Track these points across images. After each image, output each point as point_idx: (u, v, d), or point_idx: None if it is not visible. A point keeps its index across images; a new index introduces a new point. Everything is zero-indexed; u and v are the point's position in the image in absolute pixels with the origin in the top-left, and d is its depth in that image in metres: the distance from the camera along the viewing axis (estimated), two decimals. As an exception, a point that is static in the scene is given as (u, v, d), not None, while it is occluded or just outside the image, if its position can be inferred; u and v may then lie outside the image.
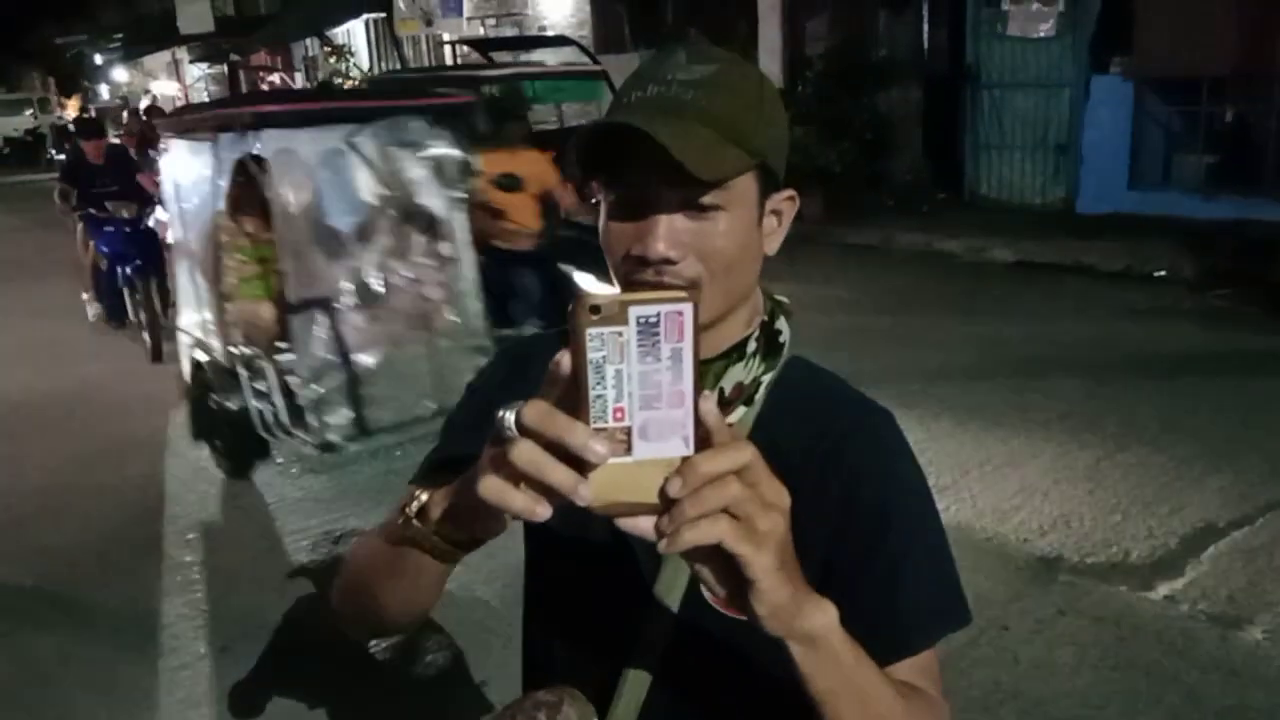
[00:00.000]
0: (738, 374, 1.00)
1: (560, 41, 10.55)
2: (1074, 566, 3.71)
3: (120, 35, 30.90)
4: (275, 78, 22.35)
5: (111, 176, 7.82)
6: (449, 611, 3.57)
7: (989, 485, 4.44)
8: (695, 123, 0.90)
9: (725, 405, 0.99)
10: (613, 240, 0.96)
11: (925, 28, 11.33)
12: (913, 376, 5.77)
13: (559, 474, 0.64)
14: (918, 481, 1.02)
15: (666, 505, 0.64)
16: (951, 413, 5.28)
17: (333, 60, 18.55)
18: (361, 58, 18.83)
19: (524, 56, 11.84)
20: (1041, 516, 4.12)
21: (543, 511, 0.66)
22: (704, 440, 0.65)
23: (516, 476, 0.66)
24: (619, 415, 0.63)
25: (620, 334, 0.62)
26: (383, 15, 17.34)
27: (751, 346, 1.01)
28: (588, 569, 1.03)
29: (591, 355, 0.63)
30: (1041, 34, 10.22)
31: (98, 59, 31.49)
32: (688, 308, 0.63)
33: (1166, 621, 3.32)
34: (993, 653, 3.20)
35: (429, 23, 15.28)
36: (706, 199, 0.92)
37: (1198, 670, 3.06)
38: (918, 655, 0.96)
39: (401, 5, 14.87)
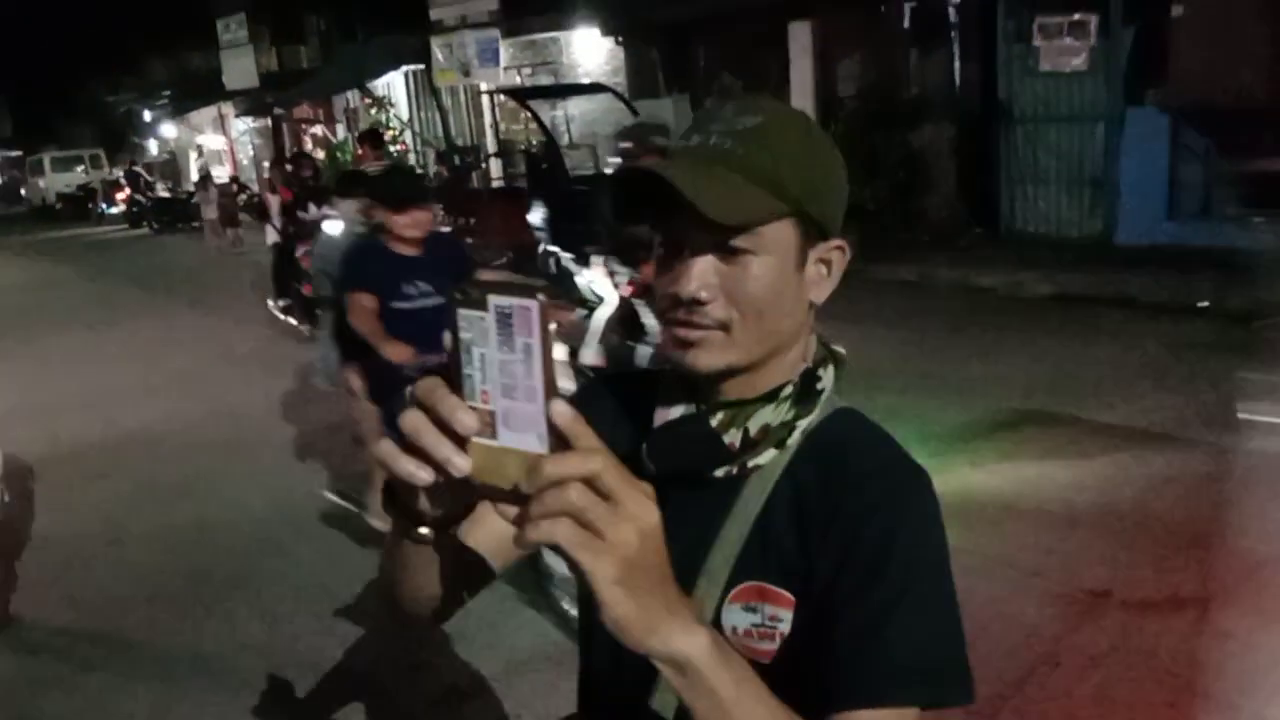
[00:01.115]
0: (766, 416, 1.02)
1: (596, 89, 10.71)
2: (1125, 601, 3.67)
3: (168, 92, 31.80)
4: (317, 129, 22.88)
5: (432, 277, 4.04)
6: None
7: (1036, 520, 4.40)
8: (724, 169, 0.95)
9: (751, 446, 1.01)
10: (656, 281, 1.02)
11: (956, 65, 11.38)
12: (953, 410, 5.75)
13: (435, 442, 0.68)
14: (932, 540, 0.96)
15: (520, 499, 0.66)
16: (995, 446, 5.25)
17: (373, 111, 18.92)
18: (401, 108, 19.19)
19: (560, 104, 12.05)
20: (1090, 550, 4.08)
21: (423, 475, 0.69)
22: (565, 442, 0.66)
23: (405, 442, 0.70)
24: (485, 398, 0.66)
25: (483, 319, 0.64)
26: (421, 67, 17.74)
27: (786, 391, 1.03)
28: None
29: (462, 335, 0.66)
30: (1073, 68, 10.24)
31: (146, 115, 32.37)
32: (534, 305, 0.63)
33: (1222, 654, 3.28)
34: (1043, 690, 3.17)
35: (466, 73, 15.58)
36: (737, 242, 0.95)
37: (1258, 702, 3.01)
38: (884, 710, 0.89)
39: (440, 57, 15.21)
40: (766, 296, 0.97)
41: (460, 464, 0.68)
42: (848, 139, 10.89)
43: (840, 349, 1.10)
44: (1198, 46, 9.01)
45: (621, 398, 1.16)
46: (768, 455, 1.02)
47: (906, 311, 8.76)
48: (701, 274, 0.97)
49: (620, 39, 13.92)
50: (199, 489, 5.84)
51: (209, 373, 8.70)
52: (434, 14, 16.92)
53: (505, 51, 15.03)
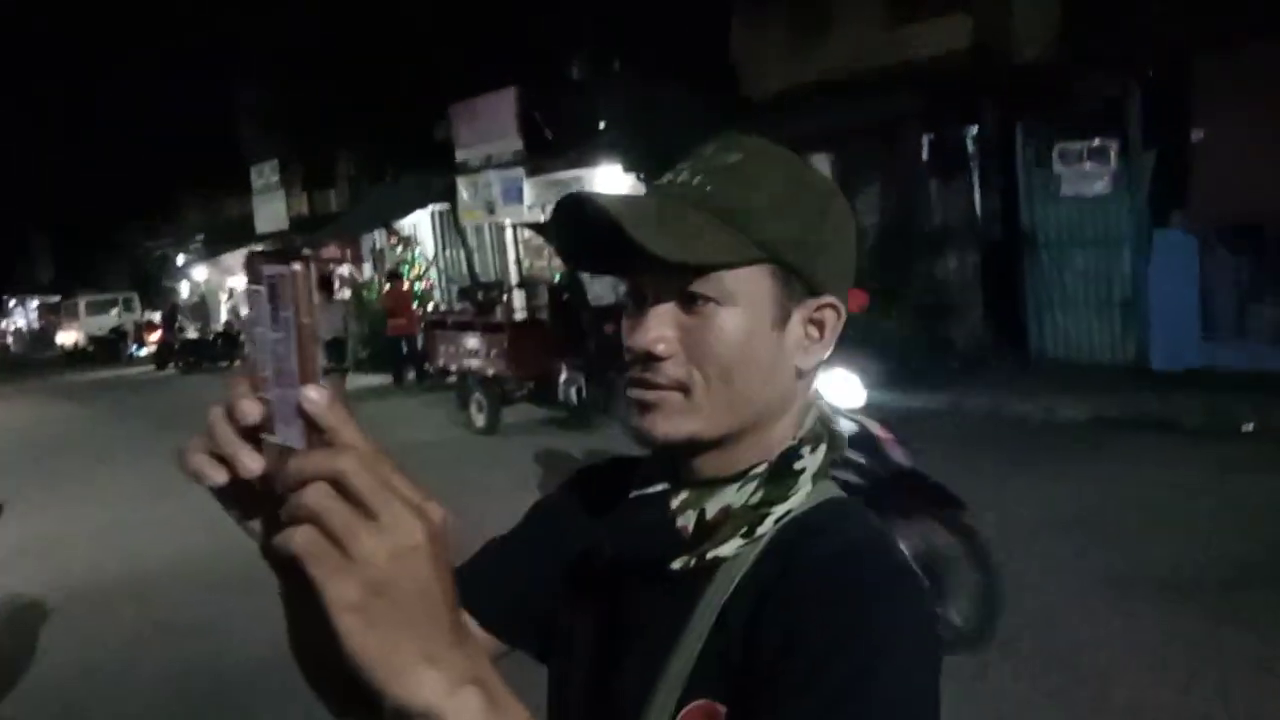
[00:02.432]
0: (728, 497, 0.85)
1: (618, 221, 10.82)
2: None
3: (201, 235, 32.75)
4: (344, 269, 23.32)
5: None
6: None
7: (1079, 650, 4.08)
8: (685, 205, 0.82)
9: (708, 534, 0.85)
10: (624, 334, 0.88)
11: (977, 193, 11.45)
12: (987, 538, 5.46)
13: (224, 437, 0.58)
14: (890, 659, 0.74)
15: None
16: (1033, 576, 4.95)
17: (399, 250, 19.27)
18: (427, 246, 19.55)
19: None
20: (1136, 689, 3.75)
21: (213, 476, 0.59)
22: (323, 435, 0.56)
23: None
24: (263, 384, 0.58)
25: (259, 292, 0.57)
26: (447, 206, 18.14)
27: (757, 469, 0.86)
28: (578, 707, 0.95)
29: (247, 313, 0.59)
30: (1096, 192, 10.25)
31: (180, 259, 33.27)
32: (297, 270, 0.56)
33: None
34: None
35: (491, 211, 15.88)
36: (697, 288, 0.82)
37: None
38: None
39: (465, 196, 15.54)
40: (732, 355, 0.83)
41: (248, 462, 0.57)
42: (870, 269, 10.89)
43: (843, 430, 0.93)
44: (1220, 168, 9.00)
45: (606, 483, 1.00)
46: (732, 546, 0.85)
47: (938, 439, 8.52)
48: (657, 325, 0.83)
49: (642, 175, 14.17)
50: (216, 628, 5.61)
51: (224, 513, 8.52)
52: (460, 155, 17.38)
53: (529, 190, 15.33)
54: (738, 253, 0.82)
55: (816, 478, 0.88)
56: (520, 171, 15.14)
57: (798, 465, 0.87)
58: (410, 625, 0.55)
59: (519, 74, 16.21)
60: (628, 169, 14.36)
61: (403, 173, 19.93)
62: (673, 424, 0.84)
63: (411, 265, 18.70)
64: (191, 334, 25.77)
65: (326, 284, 17.49)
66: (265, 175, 27.00)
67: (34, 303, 48.77)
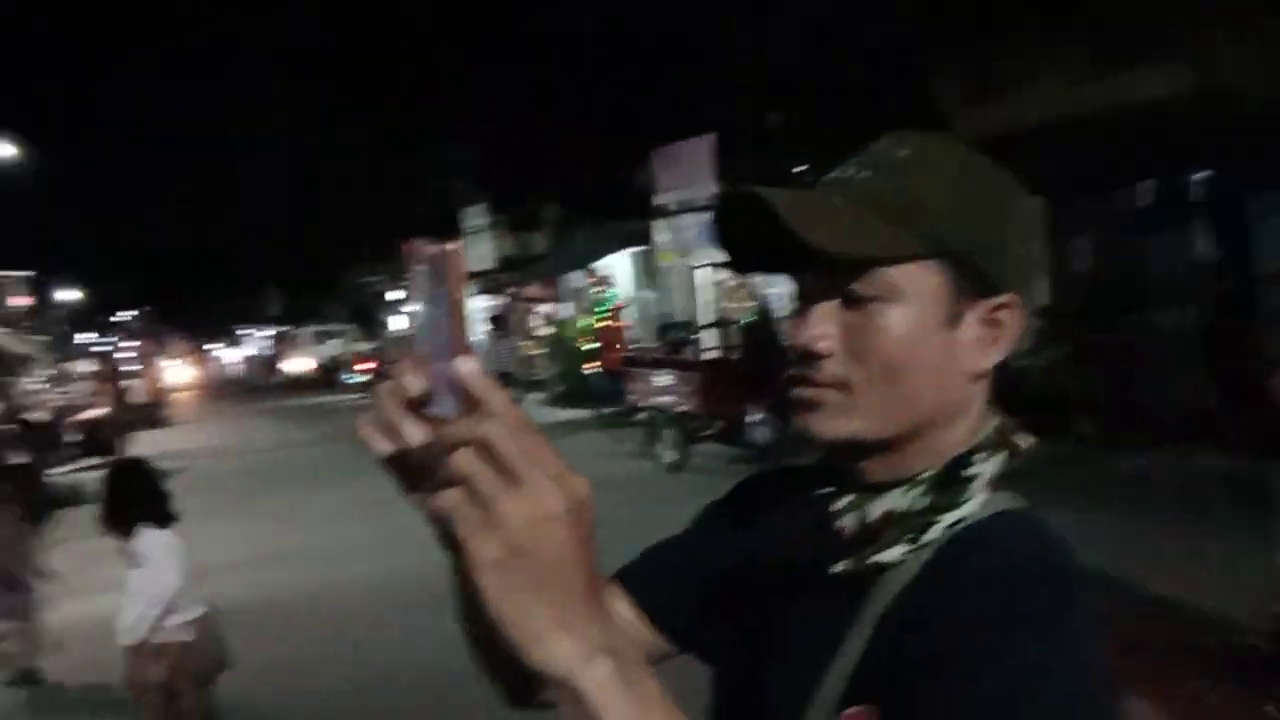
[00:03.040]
0: (891, 501, 0.82)
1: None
2: None
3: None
4: (545, 307, 24.16)
5: None
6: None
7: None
8: (847, 199, 0.79)
9: (870, 538, 0.82)
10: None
11: (1201, 244, 10.69)
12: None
13: (390, 408, 0.62)
14: (1028, 662, 0.71)
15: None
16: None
17: (597, 290, 19.81)
18: (622, 287, 20.00)
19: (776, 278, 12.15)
20: None
21: (379, 445, 0.63)
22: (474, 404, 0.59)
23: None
24: (424, 361, 0.61)
25: (420, 273, 0.62)
26: (643, 248, 18.53)
27: (925, 474, 0.83)
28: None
29: (412, 294, 0.63)
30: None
31: (389, 296, 35.37)
32: (449, 249, 0.61)
33: None
34: None
35: (686, 253, 16.07)
36: (859, 286, 0.80)
37: None
38: None
39: (662, 239, 15.80)
40: (896, 354, 0.80)
41: (410, 432, 0.61)
42: (1086, 320, 10.36)
43: (1024, 441, 0.86)
44: None
45: (773, 488, 1.02)
46: (896, 552, 0.81)
47: (1143, 505, 7.92)
48: (818, 321, 0.81)
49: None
50: (407, 645, 5.83)
51: (426, 532, 8.88)
52: (658, 200, 17.73)
53: (724, 233, 15.47)
54: (903, 248, 0.79)
55: (992, 487, 0.83)
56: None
57: (969, 472, 0.83)
58: (545, 590, 0.59)
59: (718, 121, 16.42)
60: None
61: (603, 217, 20.53)
62: (831, 423, 0.83)
63: (608, 305, 19.14)
64: (401, 365, 27.22)
65: (500, 322, 18.32)
66: (475, 218, 28.39)
67: (263, 333, 52.99)
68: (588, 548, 0.60)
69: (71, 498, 12.51)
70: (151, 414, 21.86)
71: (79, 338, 49.49)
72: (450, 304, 0.60)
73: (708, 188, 16.23)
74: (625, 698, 0.60)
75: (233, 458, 16.29)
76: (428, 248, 0.61)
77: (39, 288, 31.96)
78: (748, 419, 10.02)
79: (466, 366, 0.59)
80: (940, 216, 0.80)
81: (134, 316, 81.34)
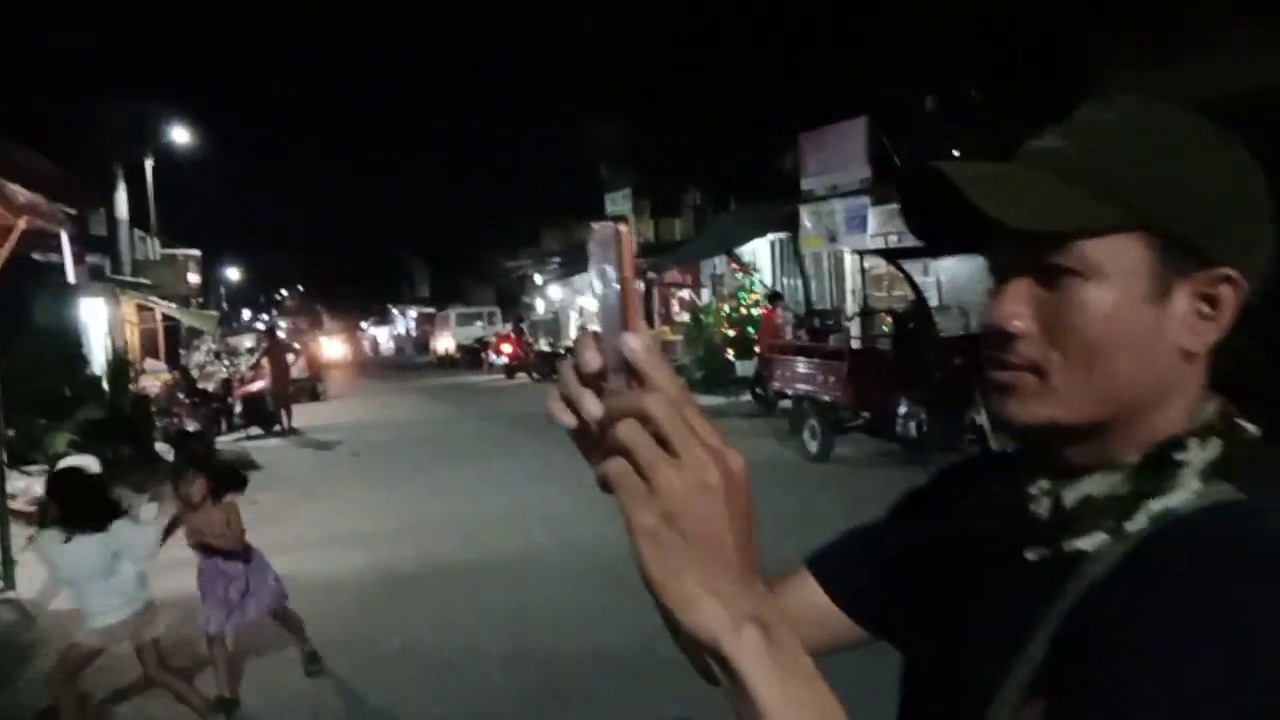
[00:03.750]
0: (1090, 485, 0.78)
1: (971, 249, 10.37)
2: None
3: (558, 259, 35.34)
4: (685, 293, 24.20)
5: None
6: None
7: None
8: (1039, 168, 0.75)
9: (1066, 523, 0.78)
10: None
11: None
12: None
13: (570, 383, 0.63)
14: (1236, 675, 0.65)
15: None
16: None
17: (739, 276, 19.70)
18: (765, 274, 19.83)
19: (931, 266, 11.85)
20: None
21: (562, 419, 0.64)
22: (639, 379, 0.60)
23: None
24: (600, 337, 0.63)
25: (593, 251, 0.63)
26: (787, 234, 18.31)
27: (1128, 458, 0.78)
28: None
29: (591, 273, 0.64)
30: None
31: (538, 279, 36.07)
32: (620, 229, 0.62)
33: None
34: None
35: (833, 239, 15.83)
36: (1055, 259, 0.75)
37: None
38: None
39: (808, 224, 15.62)
40: (1096, 333, 0.75)
41: (588, 406, 0.62)
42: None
43: (1247, 429, 0.78)
44: None
45: (972, 474, 1.00)
46: (1094, 540, 0.76)
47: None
48: (1011, 300, 0.76)
49: (994, 205, 13.58)
50: (556, 618, 5.95)
51: (570, 509, 9.04)
52: (805, 184, 17.50)
53: (874, 219, 15.12)
54: (1102, 219, 0.74)
55: (1207, 477, 0.76)
56: (866, 200, 14.98)
57: (1179, 457, 0.76)
58: (698, 558, 0.59)
59: (870, 103, 16.08)
60: (980, 199, 13.80)
61: (746, 202, 20.38)
62: (1027, 408, 0.78)
63: (749, 291, 19.03)
64: (544, 347, 27.80)
65: None
66: (618, 204, 28.66)
67: (412, 313, 54.86)
68: (741, 520, 0.61)
69: (240, 466, 13.28)
70: (309, 388, 22.93)
71: (240, 314, 52.33)
72: (621, 281, 0.62)
73: (858, 171, 15.94)
74: (773, 667, 0.60)
75: (386, 431, 16.92)
76: (599, 228, 0.63)
77: (205, 265, 33.86)
78: (899, 411, 9.78)
79: (633, 342, 0.60)
80: (1146, 186, 0.74)
81: (291, 294, 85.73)
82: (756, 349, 15.79)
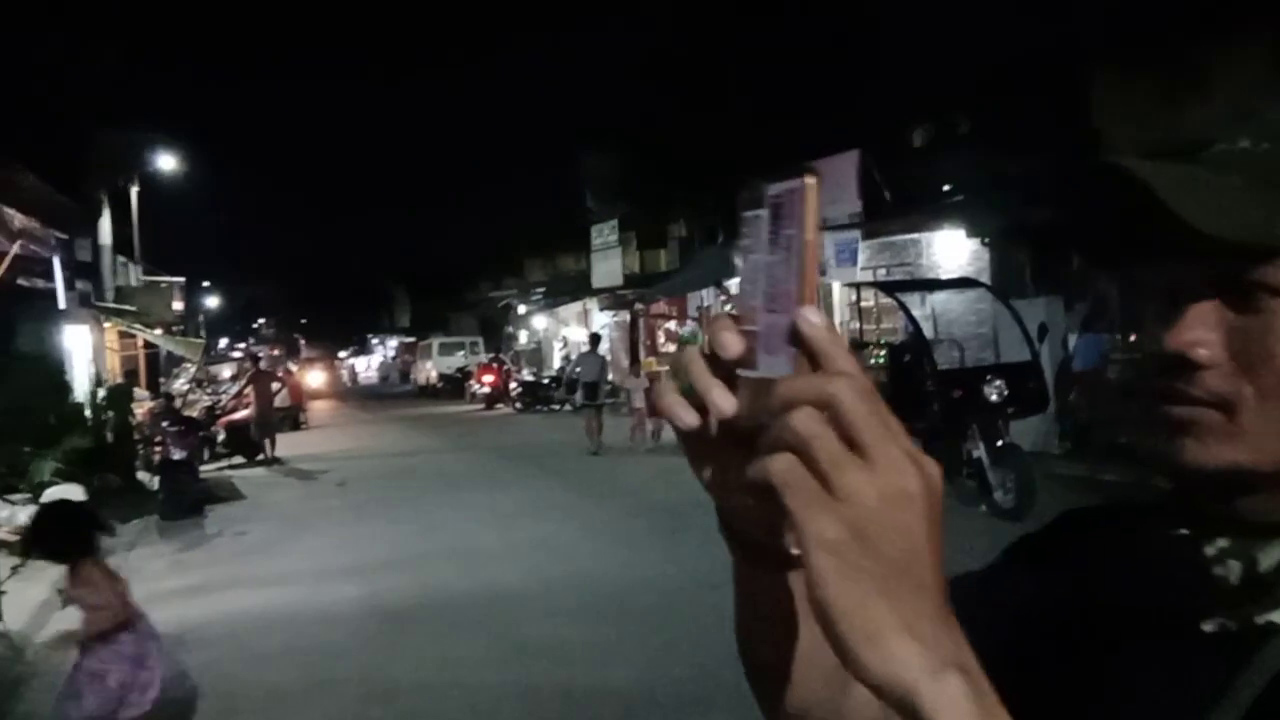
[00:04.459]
0: None
1: (967, 284, 10.43)
2: None
3: (542, 289, 35.31)
4: (671, 324, 24.20)
5: None
6: None
7: None
8: (1240, 174, 0.62)
9: (1261, 591, 0.65)
10: (1136, 345, 0.70)
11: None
12: None
13: (698, 373, 0.55)
14: None
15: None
16: None
17: (729, 309, 19.69)
18: (753, 306, 19.86)
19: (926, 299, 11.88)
20: None
21: (686, 417, 0.56)
22: (815, 362, 0.51)
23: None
24: (752, 316, 0.55)
25: (759, 216, 0.55)
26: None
27: None
28: None
29: (743, 243, 0.56)
30: None
31: (521, 309, 35.99)
32: (809, 183, 0.53)
33: None
34: None
35: (823, 272, 15.84)
36: (1257, 277, 0.62)
37: None
38: None
39: (797, 257, 15.65)
40: None
41: (720, 401, 0.54)
42: None
43: None
44: None
45: (1100, 526, 0.82)
46: None
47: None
48: (1197, 324, 0.63)
49: (987, 240, 13.63)
50: (561, 652, 5.83)
51: (568, 541, 8.93)
52: (794, 217, 17.57)
53: (864, 252, 15.18)
54: None
55: None
56: (856, 234, 15.04)
57: None
58: (891, 583, 0.49)
59: (861, 137, 16.20)
60: (971, 234, 13.87)
61: (734, 235, 20.43)
62: (1209, 450, 0.65)
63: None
64: (528, 376, 27.69)
65: (595, 340, 19.02)
66: (604, 235, 28.68)
67: (393, 342, 54.58)
68: (938, 539, 0.51)
69: (221, 494, 13.07)
70: (292, 417, 22.70)
71: (217, 342, 51.87)
72: (801, 246, 0.53)
73: (849, 205, 16.01)
74: None
75: (370, 461, 16.74)
76: (774, 187, 0.54)
77: (185, 293, 33.55)
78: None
79: (813, 317, 0.51)
80: None
81: (268, 322, 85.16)
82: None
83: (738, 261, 0.57)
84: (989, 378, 9.08)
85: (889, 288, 11.21)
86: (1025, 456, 8.82)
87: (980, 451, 8.74)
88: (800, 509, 0.49)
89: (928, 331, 10.71)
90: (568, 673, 5.50)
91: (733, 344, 0.54)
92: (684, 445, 0.58)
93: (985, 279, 13.32)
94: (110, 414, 13.03)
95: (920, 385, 9.64)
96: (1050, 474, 9.43)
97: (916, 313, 10.90)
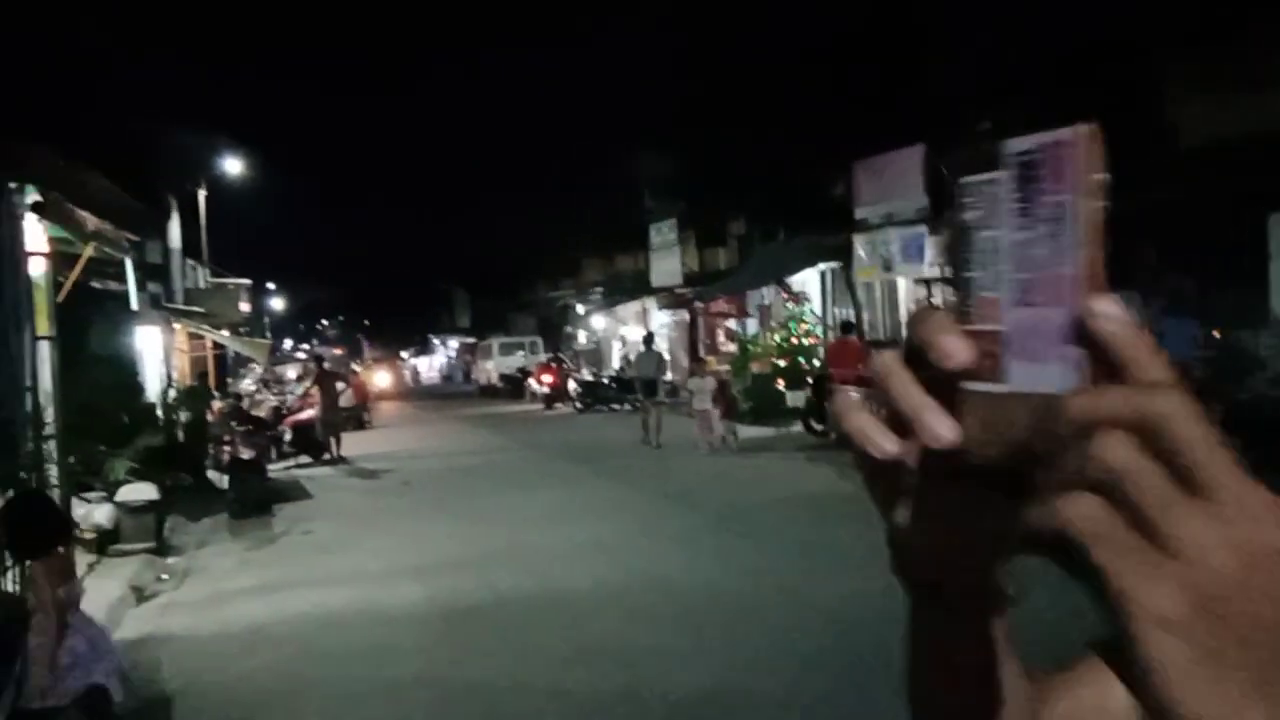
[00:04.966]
0: None
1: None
2: None
3: (600, 288, 35.32)
4: (731, 322, 24.01)
5: None
6: None
7: None
8: None
9: None
10: None
11: None
12: None
13: (903, 388, 0.43)
14: None
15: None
16: None
17: (789, 306, 19.48)
18: (815, 303, 19.61)
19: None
20: None
21: (883, 444, 0.44)
22: (1113, 371, 0.38)
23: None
24: (990, 312, 0.42)
25: (993, 182, 0.42)
26: (838, 264, 18.09)
27: None
28: None
29: (966, 217, 0.43)
30: None
31: (580, 309, 36.05)
32: (1078, 134, 0.40)
33: None
34: None
35: (888, 269, 15.61)
36: None
37: None
38: None
39: (862, 254, 15.41)
40: None
41: (936, 427, 0.42)
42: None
43: None
44: None
45: None
46: None
47: None
48: None
49: (1057, 233, 13.27)
50: (626, 655, 5.73)
51: (629, 541, 8.85)
52: (859, 213, 17.29)
53: (930, 247, 14.88)
54: None
55: None
56: (923, 229, 14.75)
57: None
58: (1270, 677, 0.35)
59: (925, 131, 15.89)
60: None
61: (795, 231, 20.20)
62: None
63: (801, 321, 18.81)
64: (587, 376, 27.71)
65: (649, 339, 19.37)
66: (663, 233, 28.59)
67: (454, 343, 55.08)
68: None
69: (289, 493, 13.23)
70: (356, 417, 22.97)
71: (282, 343, 52.81)
72: (1078, 215, 0.40)
73: (915, 200, 15.73)
74: None
75: (433, 461, 16.85)
76: (1019, 142, 0.41)
77: (252, 294, 34.18)
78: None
79: (1111, 309, 0.39)
80: None
81: (331, 324, 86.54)
82: (810, 379, 15.55)
83: (943, 241, 0.44)
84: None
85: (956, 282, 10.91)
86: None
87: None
88: (1121, 571, 0.36)
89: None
90: (633, 675, 5.41)
91: (959, 349, 0.42)
92: (868, 475, 0.47)
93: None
94: (182, 414, 13.27)
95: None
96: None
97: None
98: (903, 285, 16.20)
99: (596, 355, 33.45)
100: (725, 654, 5.59)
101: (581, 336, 36.43)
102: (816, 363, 17.40)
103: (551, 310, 40.48)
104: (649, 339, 19.63)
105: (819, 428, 14.39)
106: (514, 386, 33.00)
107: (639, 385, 17.94)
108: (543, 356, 33.68)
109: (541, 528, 9.73)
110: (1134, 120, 12.81)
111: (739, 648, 5.67)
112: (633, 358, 21.29)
